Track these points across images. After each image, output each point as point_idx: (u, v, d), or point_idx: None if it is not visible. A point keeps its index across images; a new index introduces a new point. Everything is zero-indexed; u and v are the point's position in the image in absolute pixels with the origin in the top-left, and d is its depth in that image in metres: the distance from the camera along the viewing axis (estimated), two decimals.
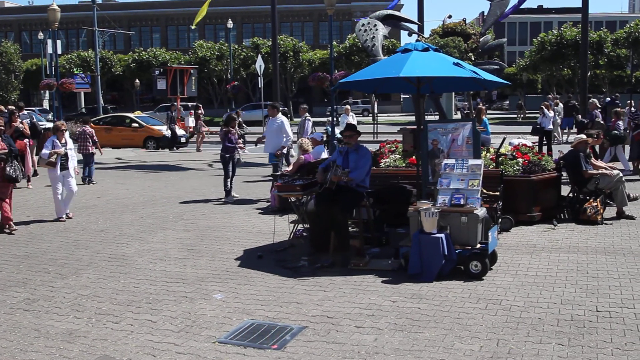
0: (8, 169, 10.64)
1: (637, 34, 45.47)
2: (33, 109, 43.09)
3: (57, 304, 7.06)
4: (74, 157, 12.16)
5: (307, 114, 18.16)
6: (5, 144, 10.81)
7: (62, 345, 5.84)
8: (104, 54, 56.25)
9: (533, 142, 16.21)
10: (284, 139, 13.68)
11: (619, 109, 19.52)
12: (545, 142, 22.18)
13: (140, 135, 29.53)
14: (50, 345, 5.84)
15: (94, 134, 17.30)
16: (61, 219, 11.82)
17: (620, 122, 17.89)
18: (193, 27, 28.97)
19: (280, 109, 15.36)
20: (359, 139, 9.34)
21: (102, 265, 8.69)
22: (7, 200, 10.89)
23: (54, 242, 10.14)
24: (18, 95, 51.73)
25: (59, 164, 11.69)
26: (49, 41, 33.89)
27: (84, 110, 46.84)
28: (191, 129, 33.16)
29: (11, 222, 10.91)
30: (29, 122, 19.29)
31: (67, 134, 12.23)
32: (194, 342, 5.84)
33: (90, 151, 16.95)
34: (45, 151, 11.66)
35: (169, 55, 58.05)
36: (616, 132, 16.75)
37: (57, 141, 11.78)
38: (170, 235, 10.50)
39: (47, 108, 49.65)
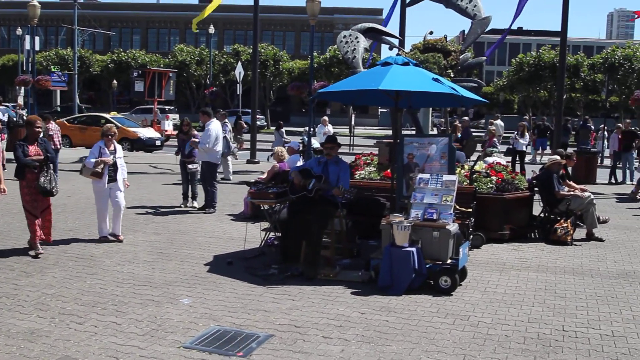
0: (42, 179, 8.98)
1: (613, 59, 46.12)
2: (7, 104, 42.50)
3: (20, 302, 6.94)
4: (124, 168, 10.47)
5: (226, 120, 18.32)
6: (40, 149, 9.19)
7: (23, 344, 5.73)
8: (82, 53, 55.79)
9: (507, 162, 16.38)
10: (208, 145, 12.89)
11: (492, 128, 20.72)
12: (518, 161, 22.45)
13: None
14: (11, 344, 5.73)
15: (59, 130, 17.37)
16: (104, 239, 10.18)
17: (496, 140, 18.70)
18: (194, 30, 28.58)
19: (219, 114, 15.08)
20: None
21: (68, 265, 8.56)
22: (42, 217, 9.30)
23: (21, 239, 9.95)
24: None
25: (107, 175, 10.07)
26: (27, 37, 33.50)
27: (58, 108, 46.32)
28: (167, 132, 32.92)
29: (38, 244, 9.15)
30: (6, 115, 19.12)
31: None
32: (158, 347, 5.76)
33: (58, 147, 16.82)
34: (90, 159, 9.97)
35: (148, 58, 57.71)
36: (493, 149, 17.19)
37: (105, 148, 10.08)
38: (139, 238, 10.38)
39: (22, 104, 48.98)
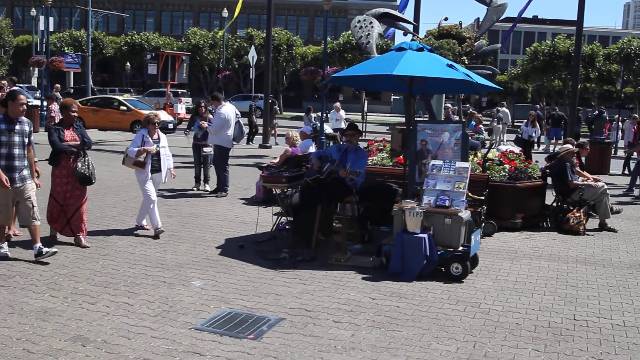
0: (79, 164, 8.48)
1: (629, 50, 45.69)
2: (21, 85, 42.69)
3: (34, 281, 6.98)
4: (169, 157, 9.84)
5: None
6: (77, 135, 8.63)
7: (36, 322, 5.77)
8: (96, 35, 55.71)
9: (520, 150, 16.30)
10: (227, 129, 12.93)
11: (478, 114, 20.84)
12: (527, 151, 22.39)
13: (128, 118, 29.28)
14: (24, 322, 5.77)
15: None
16: (146, 227, 9.71)
17: (482, 127, 18.78)
18: (220, 33, 28.42)
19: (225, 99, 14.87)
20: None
21: None
22: (78, 211, 8.66)
23: None
24: (7, 71, 51.20)
25: (149, 165, 9.47)
26: (42, 18, 33.54)
27: (72, 90, 46.46)
28: (180, 116, 32.94)
29: (81, 240, 8.63)
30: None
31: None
32: (169, 327, 5.79)
33: None
34: (132, 148, 9.35)
35: (162, 41, 57.60)
36: (478, 135, 17.16)
37: (149, 136, 9.48)
38: None
39: (35, 86, 49.17)
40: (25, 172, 7.78)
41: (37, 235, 7.80)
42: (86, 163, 8.60)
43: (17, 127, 7.66)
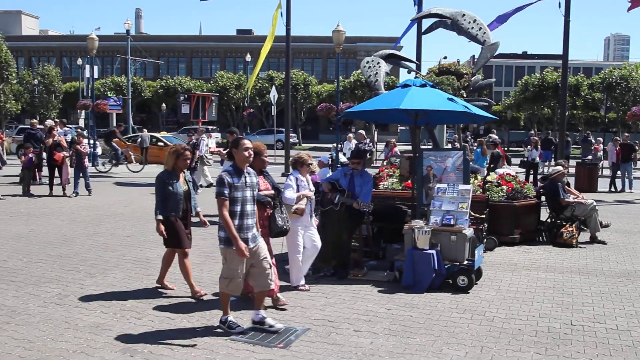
0: (279, 220, 6.79)
1: (610, 79, 45.55)
2: (70, 126, 43.24)
3: (86, 299, 7.04)
4: (313, 201, 7.94)
5: (203, 135, 19.14)
6: (268, 182, 7.02)
7: (90, 336, 5.81)
8: (135, 80, 56.42)
9: (517, 172, 16.24)
10: None
11: (392, 140, 21.15)
12: (532, 173, 22.25)
13: (165, 153, 29.46)
14: (79, 336, 5.82)
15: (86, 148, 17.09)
16: (302, 287, 7.66)
17: (397, 151, 19.24)
18: (249, 93, 28.59)
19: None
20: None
21: (127, 267, 8.67)
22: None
23: (85, 245, 10.12)
24: (57, 114, 51.85)
25: (309, 214, 7.69)
26: (87, 66, 34.01)
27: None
28: (211, 149, 33.12)
29: (279, 298, 6.99)
30: (70, 135, 19.49)
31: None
32: (208, 339, 5.81)
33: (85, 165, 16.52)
34: (290, 194, 7.36)
35: (193, 84, 58.23)
36: (396, 159, 17.17)
37: (303, 180, 7.67)
38: None
39: (83, 126, 49.73)
40: (256, 230, 6.15)
41: (264, 300, 6.37)
42: (284, 215, 6.94)
43: (248, 179, 6.00)
